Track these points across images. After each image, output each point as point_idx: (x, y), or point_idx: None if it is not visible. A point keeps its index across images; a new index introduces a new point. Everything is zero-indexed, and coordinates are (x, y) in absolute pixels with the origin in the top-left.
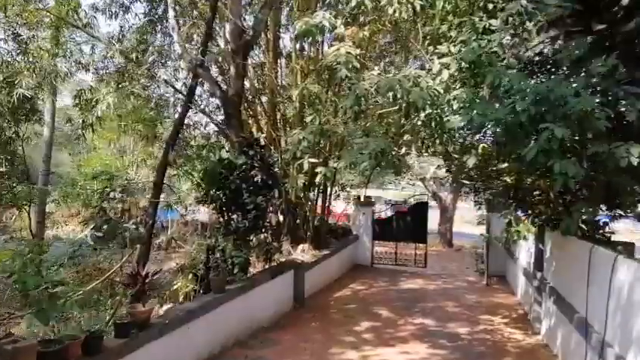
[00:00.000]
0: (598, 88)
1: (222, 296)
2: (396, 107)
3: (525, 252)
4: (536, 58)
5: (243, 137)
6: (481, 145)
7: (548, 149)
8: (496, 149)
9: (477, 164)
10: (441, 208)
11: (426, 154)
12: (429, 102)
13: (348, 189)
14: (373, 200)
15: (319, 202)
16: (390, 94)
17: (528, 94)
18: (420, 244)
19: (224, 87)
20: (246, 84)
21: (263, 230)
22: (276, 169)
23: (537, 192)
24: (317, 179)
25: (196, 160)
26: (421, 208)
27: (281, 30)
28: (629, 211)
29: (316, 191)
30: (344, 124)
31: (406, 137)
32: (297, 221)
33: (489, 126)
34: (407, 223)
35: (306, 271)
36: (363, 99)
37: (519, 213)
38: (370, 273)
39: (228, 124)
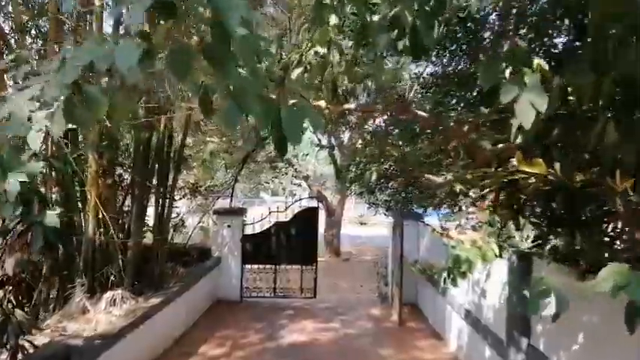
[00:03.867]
0: None
1: None
2: None
3: (470, 287)
4: None
5: None
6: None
7: None
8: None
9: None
10: (326, 211)
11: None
12: None
13: (204, 190)
14: (243, 207)
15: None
16: None
17: None
18: (308, 266)
19: None
20: None
21: None
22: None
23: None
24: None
25: None
26: (309, 217)
27: None
28: None
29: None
30: None
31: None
32: (109, 246)
33: None
34: (291, 238)
35: (103, 352)
36: None
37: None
38: (239, 315)
39: None
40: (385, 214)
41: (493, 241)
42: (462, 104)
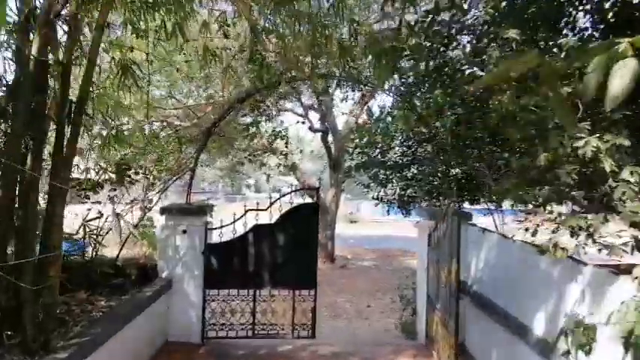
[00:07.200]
0: None
1: None
2: None
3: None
4: None
5: None
6: None
7: None
8: None
9: None
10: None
11: None
12: None
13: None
14: (207, 204)
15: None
16: None
17: None
18: (304, 290)
19: None
20: None
21: None
22: None
23: None
24: None
25: None
26: (305, 218)
27: None
28: None
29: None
30: None
31: None
32: None
33: None
34: (276, 249)
35: None
36: None
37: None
38: None
39: None
40: (403, 213)
41: None
42: None
